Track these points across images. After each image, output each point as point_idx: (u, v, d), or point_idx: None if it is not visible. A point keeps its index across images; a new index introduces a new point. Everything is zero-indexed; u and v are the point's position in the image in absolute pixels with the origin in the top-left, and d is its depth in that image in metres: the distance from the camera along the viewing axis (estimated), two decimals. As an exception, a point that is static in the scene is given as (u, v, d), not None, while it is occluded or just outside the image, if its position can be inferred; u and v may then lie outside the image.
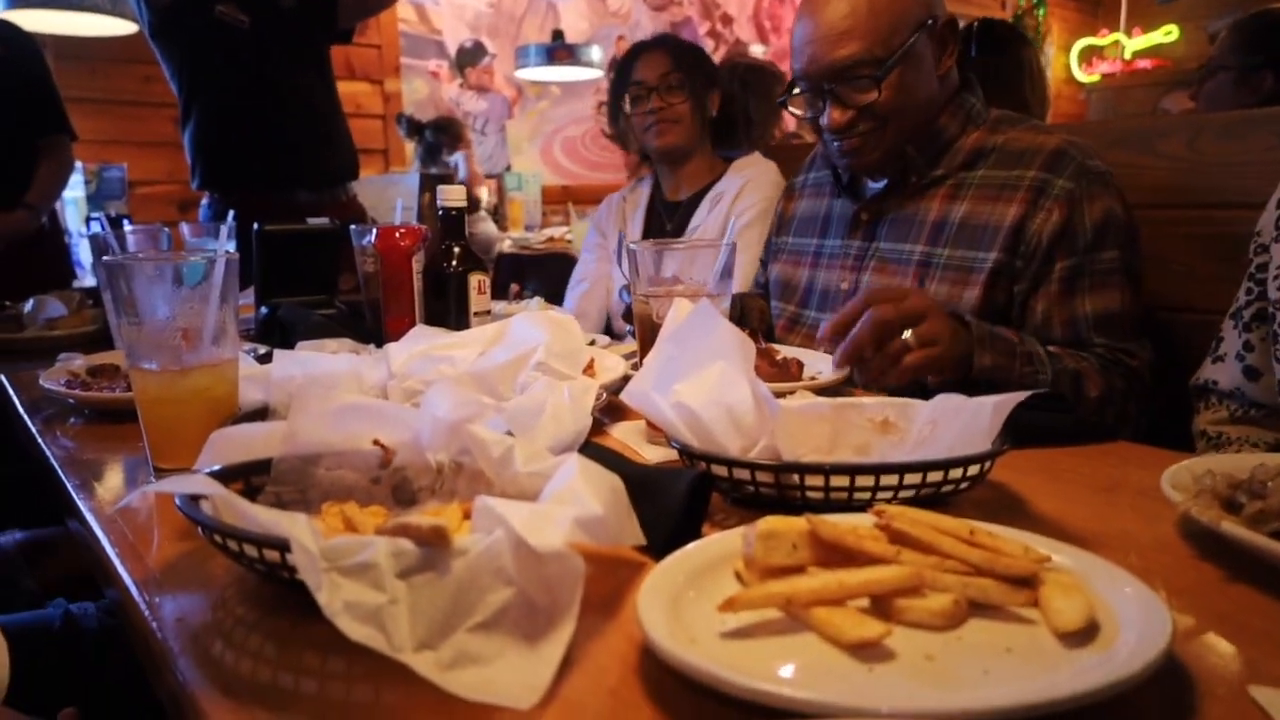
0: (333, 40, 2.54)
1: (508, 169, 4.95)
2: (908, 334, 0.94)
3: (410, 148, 4.32)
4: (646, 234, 1.96)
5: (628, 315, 1.11)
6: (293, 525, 0.49)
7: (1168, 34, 8.27)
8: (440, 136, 4.06)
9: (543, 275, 3.00)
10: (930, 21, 1.19)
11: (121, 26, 2.92)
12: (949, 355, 0.96)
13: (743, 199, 1.84)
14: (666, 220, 1.95)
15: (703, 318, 0.72)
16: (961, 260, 1.17)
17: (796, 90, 1.25)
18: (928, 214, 1.22)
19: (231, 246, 1.48)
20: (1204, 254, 1.30)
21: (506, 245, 3.98)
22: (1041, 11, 4.40)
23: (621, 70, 1.92)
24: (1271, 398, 1.03)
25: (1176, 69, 8.10)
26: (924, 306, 0.97)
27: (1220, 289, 1.29)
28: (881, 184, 1.28)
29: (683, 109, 1.84)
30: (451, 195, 1.10)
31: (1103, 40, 8.61)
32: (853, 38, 1.16)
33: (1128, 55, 8.44)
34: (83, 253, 3.08)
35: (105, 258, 0.78)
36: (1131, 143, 1.34)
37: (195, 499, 0.57)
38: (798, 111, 1.27)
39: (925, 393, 0.94)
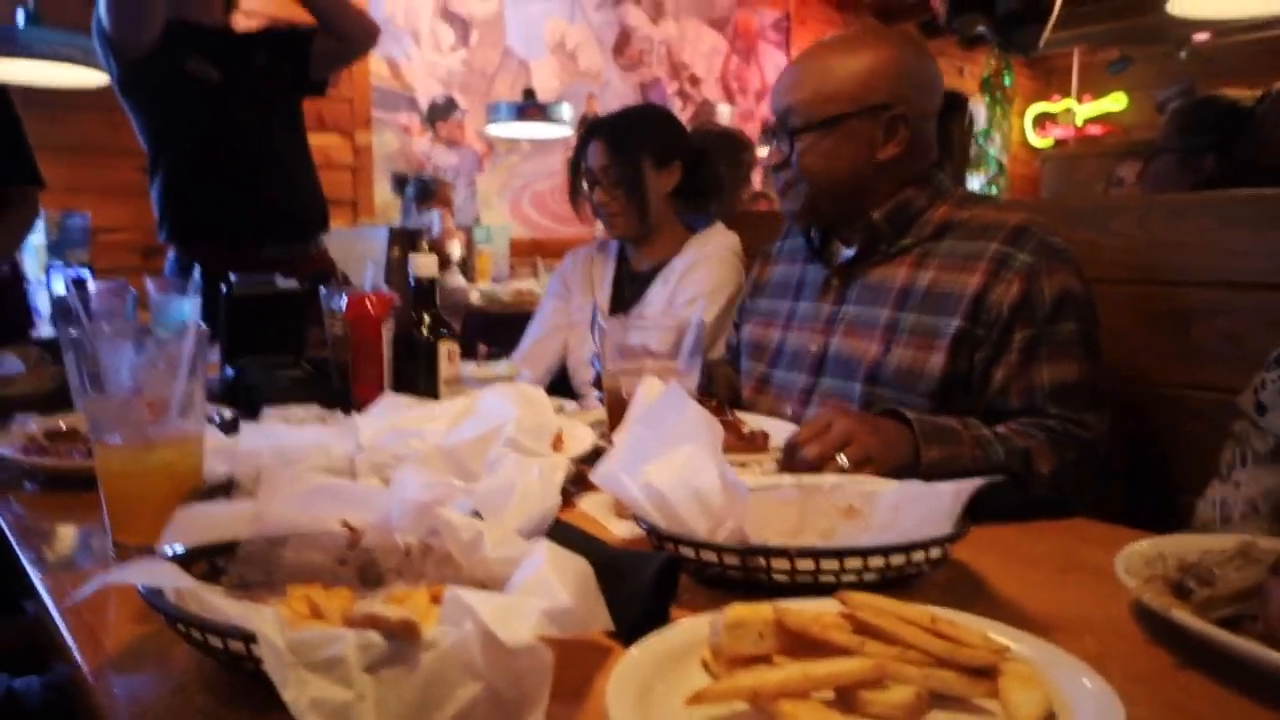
0: (306, 93, 2.56)
1: (477, 221, 4.98)
2: (841, 458, 0.95)
3: (395, 202, 4.40)
4: (613, 302, 1.97)
5: (598, 383, 1.12)
6: (259, 618, 0.49)
7: (1116, 102, 8.62)
8: (420, 191, 4.12)
9: (512, 332, 3.00)
10: (882, 107, 1.23)
11: (92, 78, 2.91)
12: (884, 468, 0.96)
13: (689, 277, 1.84)
14: (627, 290, 1.96)
15: (672, 400, 0.73)
16: (927, 326, 1.20)
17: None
18: (895, 280, 1.26)
19: (198, 303, 1.49)
20: (1154, 328, 1.35)
21: (475, 297, 3.99)
22: (1009, 78, 4.59)
23: (578, 149, 1.93)
24: None
25: (1126, 136, 8.43)
26: (847, 431, 0.98)
27: (1168, 363, 1.34)
28: (852, 251, 1.32)
29: (621, 203, 1.85)
30: (422, 265, 1.11)
31: (1055, 106, 8.95)
32: (796, 92, 1.26)
33: (1079, 121, 8.78)
34: (41, 301, 3.03)
35: (71, 331, 0.77)
36: (1086, 220, 1.39)
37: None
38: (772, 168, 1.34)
39: None
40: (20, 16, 2.84)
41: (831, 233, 1.36)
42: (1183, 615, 0.59)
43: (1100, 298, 1.24)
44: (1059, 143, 8.86)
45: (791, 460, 0.97)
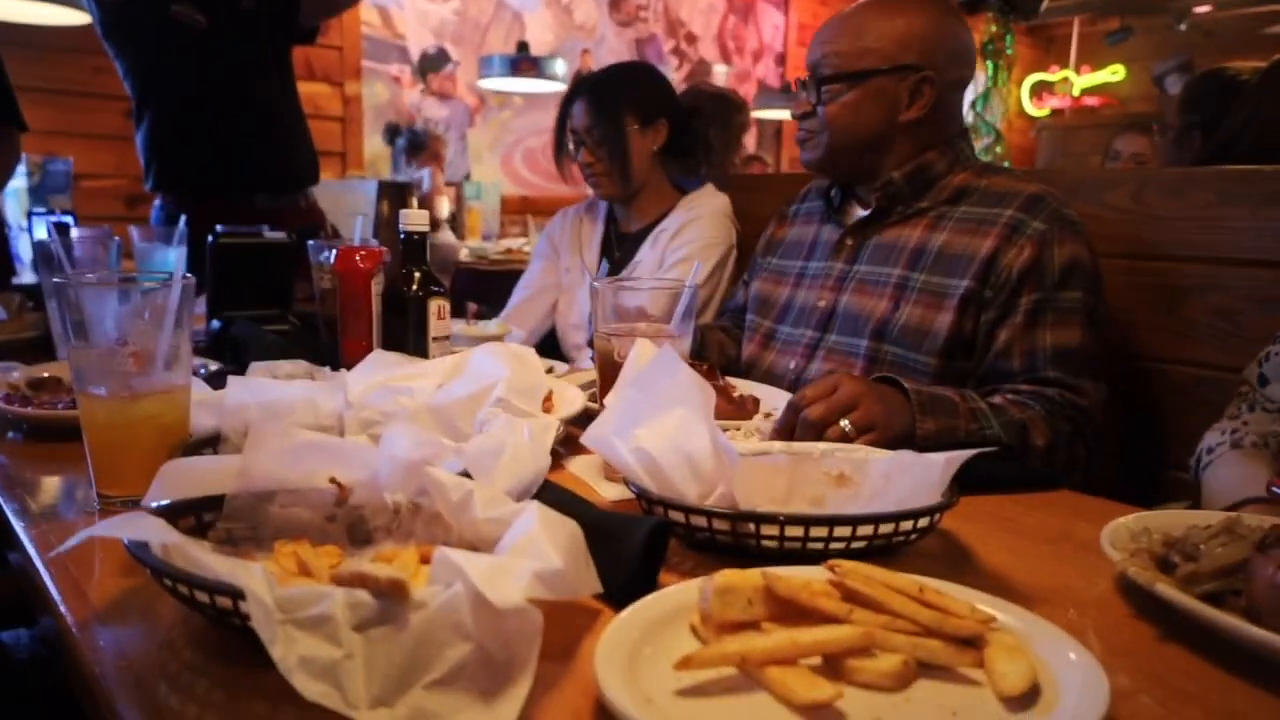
0: (296, 40, 2.50)
1: (467, 177, 4.92)
2: (845, 423, 0.96)
3: (385, 154, 4.34)
4: (601, 263, 1.96)
5: (592, 343, 1.11)
6: (247, 575, 0.48)
7: (1114, 73, 8.57)
8: (411, 144, 4.06)
9: (501, 292, 2.98)
10: (912, 68, 1.26)
11: (74, 16, 2.83)
12: (887, 435, 0.98)
13: (680, 236, 1.84)
14: (617, 251, 1.95)
15: (665, 363, 0.72)
16: (936, 286, 1.23)
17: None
18: (909, 241, 1.28)
19: (183, 253, 1.47)
20: (1146, 302, 1.35)
21: (464, 255, 3.96)
22: (1009, 43, 4.57)
23: (563, 110, 1.90)
24: None
25: (1123, 108, 8.39)
26: (854, 395, 0.98)
27: (1159, 337, 1.34)
28: (868, 211, 1.35)
29: (604, 163, 1.84)
30: (413, 220, 1.10)
31: (1053, 76, 8.89)
32: (831, 44, 1.29)
33: (1076, 92, 8.73)
34: (22, 247, 2.98)
35: (55, 278, 0.76)
36: (1081, 193, 1.39)
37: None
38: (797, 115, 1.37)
39: None
40: (-1, -49, 2.76)
41: (850, 193, 1.40)
42: (1167, 589, 0.60)
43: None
44: (1055, 113, 8.82)
45: (793, 420, 0.97)
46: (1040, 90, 8.93)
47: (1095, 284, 1.20)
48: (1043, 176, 1.32)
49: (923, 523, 0.68)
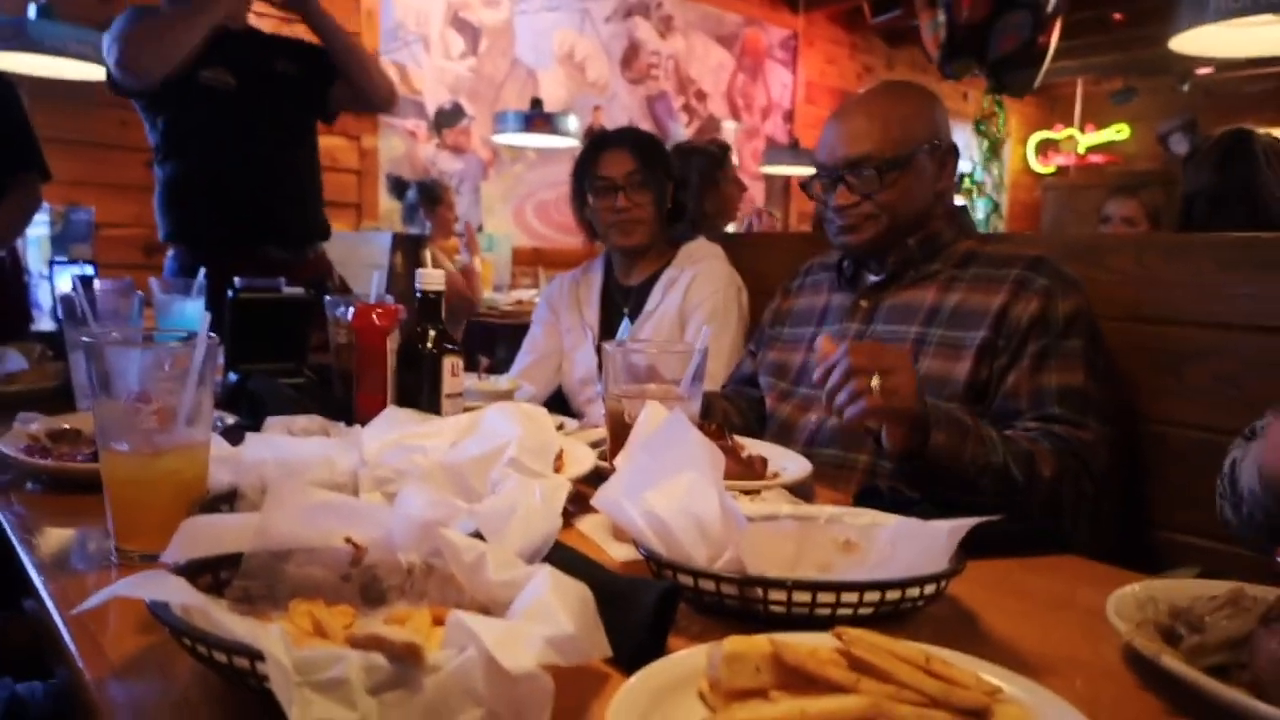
0: (317, 115, 2.58)
1: (480, 229, 4.99)
2: (875, 381, 1.03)
3: (396, 207, 4.40)
4: (604, 317, 2.01)
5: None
6: (266, 637, 0.49)
7: (1119, 132, 8.69)
8: (420, 198, 4.12)
9: (512, 342, 3.02)
10: (935, 143, 1.39)
11: (99, 72, 2.92)
12: (907, 409, 1.05)
13: (696, 290, 1.91)
14: (623, 303, 2.00)
15: (675, 426, 0.74)
16: (954, 339, 1.31)
17: (818, 176, 1.45)
18: (923, 301, 1.38)
19: (202, 304, 1.50)
20: (1148, 365, 1.36)
21: (477, 285, 4.03)
22: (1000, 118, 4.71)
23: (585, 161, 1.97)
24: None
25: (1127, 165, 8.49)
26: (898, 363, 1.06)
27: (1162, 400, 1.35)
28: (881, 276, 1.44)
29: (648, 209, 1.91)
30: (430, 280, 1.12)
31: (1058, 134, 9.02)
32: (867, 140, 1.38)
33: (1081, 150, 8.84)
34: (41, 295, 3.04)
35: (81, 334, 0.78)
36: (1085, 256, 1.41)
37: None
38: (812, 193, 1.47)
39: (880, 500, 0.97)
40: (31, 10, 2.86)
41: (862, 264, 1.48)
42: (1172, 662, 0.60)
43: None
44: (1060, 170, 8.93)
45: (833, 362, 1.05)
46: (1045, 148, 9.05)
47: (1096, 335, 1.28)
48: (1046, 242, 1.35)
49: (929, 589, 0.69)
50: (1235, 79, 7.42)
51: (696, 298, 1.90)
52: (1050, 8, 3.97)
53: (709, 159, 3.17)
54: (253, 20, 2.55)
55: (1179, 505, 1.30)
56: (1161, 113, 8.15)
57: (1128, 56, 7.20)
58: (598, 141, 1.99)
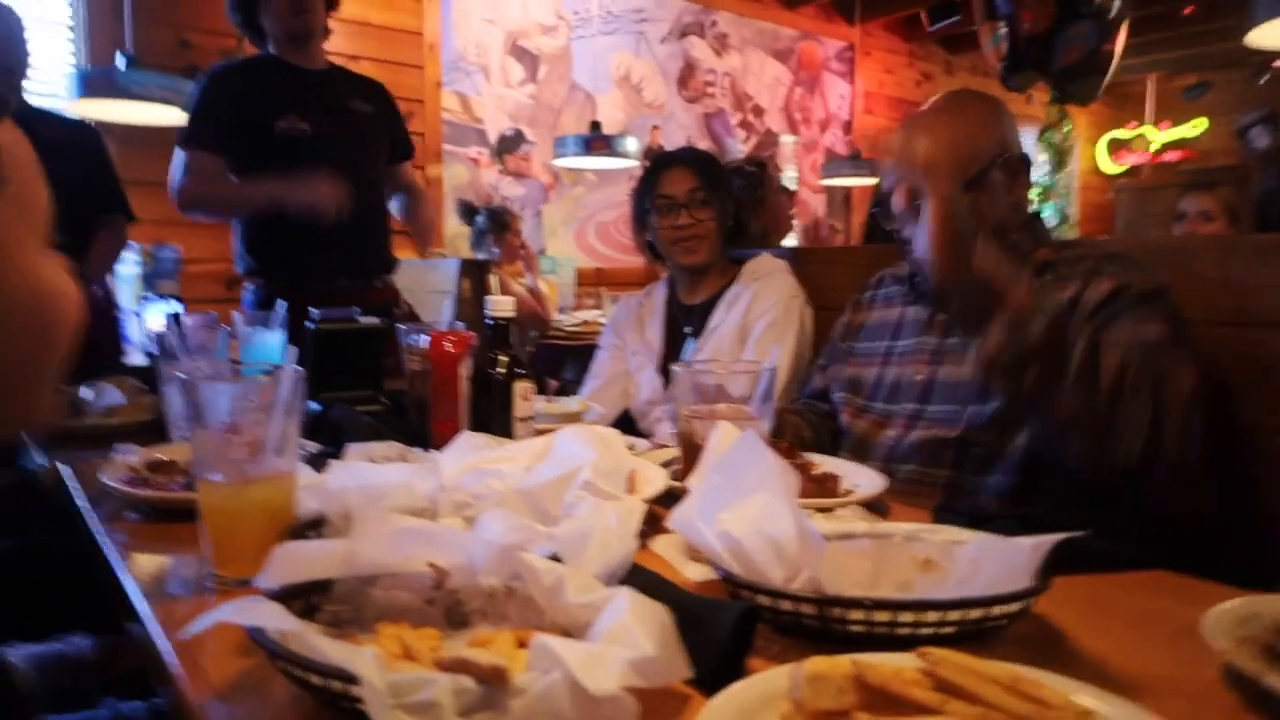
0: (392, 158, 2.70)
1: (542, 252, 5.07)
2: None
3: (465, 233, 4.51)
4: (667, 338, 2.02)
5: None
6: (360, 661, 0.51)
7: (1195, 127, 8.38)
8: (488, 224, 4.21)
9: (579, 365, 3.06)
10: (1006, 155, 1.36)
11: (183, 116, 3.08)
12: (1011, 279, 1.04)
13: (758, 303, 1.90)
14: (684, 323, 2.01)
15: (747, 446, 0.74)
16: None
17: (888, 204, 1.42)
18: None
19: (281, 335, 1.56)
20: (1239, 370, 1.31)
21: (547, 304, 4.13)
22: (1067, 126, 4.61)
23: (646, 182, 1.99)
24: None
25: (1203, 162, 8.18)
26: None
27: (1255, 406, 1.30)
28: None
29: (710, 225, 1.92)
30: (499, 306, 1.15)
31: (1129, 133, 8.74)
32: (942, 160, 1.34)
33: (1154, 148, 8.56)
34: (133, 330, 3.19)
35: (176, 370, 0.82)
36: (1166, 261, 1.36)
37: (261, 621, 0.59)
38: (886, 222, 1.44)
39: (958, 517, 0.95)
40: (120, 60, 3.02)
41: None
42: (1277, 682, 0.58)
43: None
44: (1133, 170, 8.65)
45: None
46: (1116, 147, 8.78)
47: (1177, 312, 1.21)
48: (1122, 246, 1.32)
49: (1014, 608, 0.67)
50: (1316, 68, 7.11)
51: (757, 311, 1.90)
52: (1114, 14, 3.87)
53: (747, 179, 3.18)
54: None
55: (1271, 517, 1.24)
56: (1237, 107, 7.85)
57: (1199, 51, 6.96)
58: (659, 162, 2.02)
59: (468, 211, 4.37)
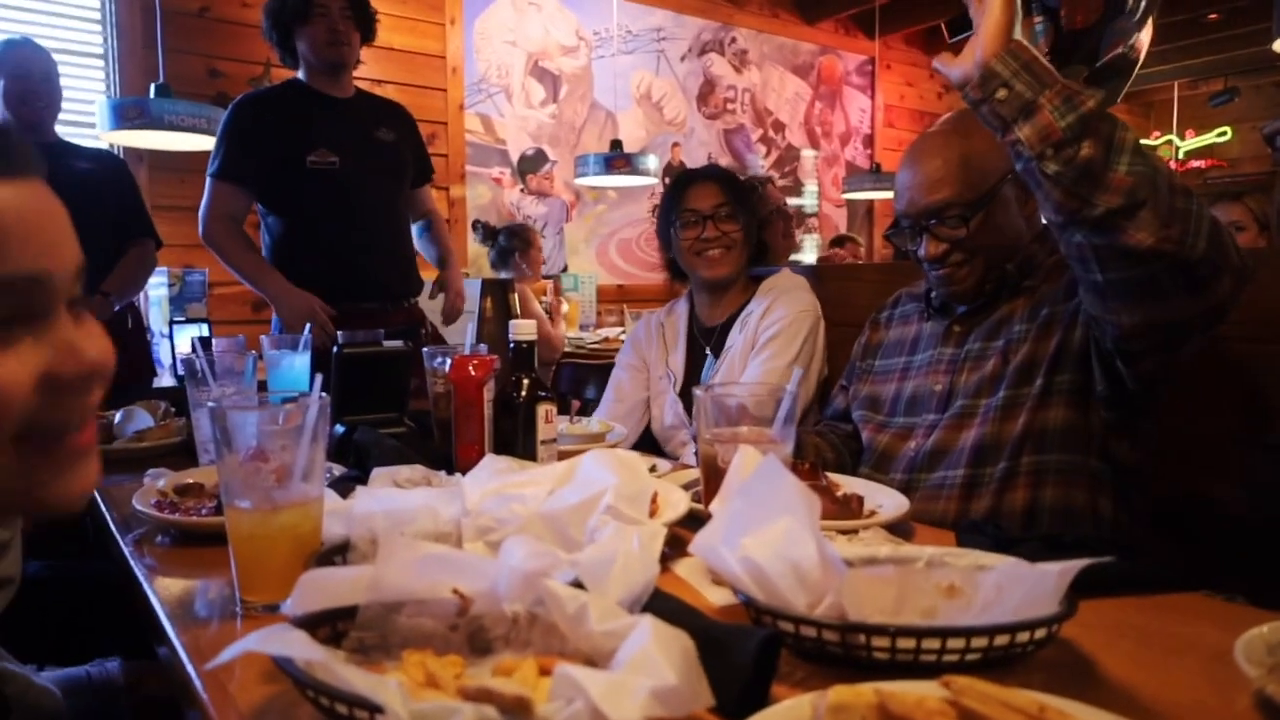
0: (416, 182, 2.73)
1: (564, 270, 5.10)
2: None
3: (485, 252, 4.54)
4: (689, 361, 2.01)
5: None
6: (385, 691, 0.52)
7: (1221, 135, 8.30)
8: (512, 241, 4.24)
9: (601, 383, 3.07)
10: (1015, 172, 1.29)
11: (212, 143, 3.14)
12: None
13: (769, 315, 1.89)
14: (705, 344, 2.00)
15: (769, 471, 0.74)
16: (1044, 318, 1.30)
17: (900, 226, 1.43)
18: (1015, 313, 1.36)
19: (308, 358, 1.58)
20: (1264, 386, 1.29)
21: (563, 335, 4.13)
22: None
23: (671, 197, 1.99)
24: None
25: (1231, 169, 8.08)
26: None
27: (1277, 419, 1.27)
28: (974, 305, 1.42)
29: (738, 237, 1.93)
30: (522, 330, 1.16)
31: (1155, 141, 8.66)
32: (946, 185, 1.34)
33: (1181, 155, 8.47)
34: (163, 352, 3.24)
35: (210, 404, 0.84)
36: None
37: (288, 649, 0.60)
38: (900, 244, 1.44)
39: (983, 538, 0.94)
40: (151, 90, 3.09)
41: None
42: (1311, 711, 0.57)
43: (1223, 350, 1.21)
44: (1160, 178, 8.54)
45: None
46: (1142, 156, 8.68)
47: None
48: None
49: (1040, 634, 0.67)
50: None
51: (766, 323, 1.89)
52: (1141, 13, 3.84)
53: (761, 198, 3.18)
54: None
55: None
56: (1266, 112, 7.75)
57: (1226, 57, 6.89)
58: (683, 178, 2.01)
59: (488, 233, 4.40)
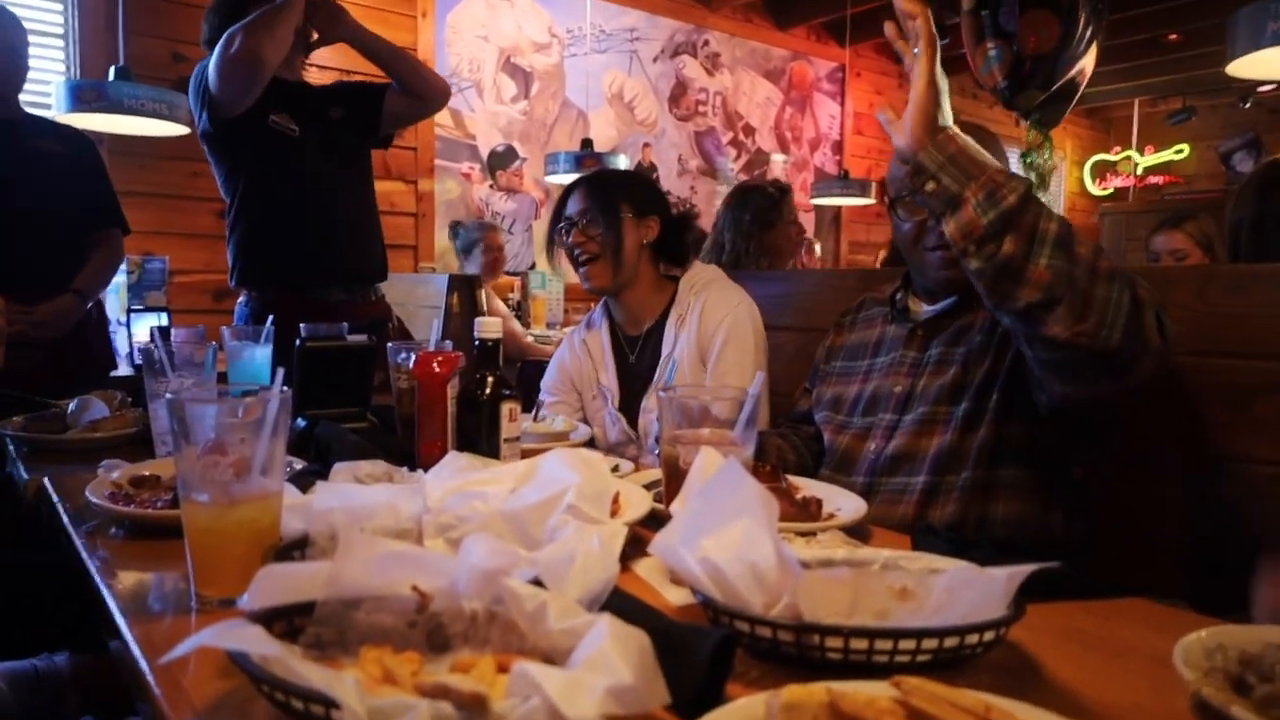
0: (375, 145, 2.68)
1: (532, 267, 5.08)
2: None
3: (450, 248, 4.53)
4: (620, 377, 1.96)
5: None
6: (340, 687, 0.52)
7: (1179, 152, 8.51)
8: (477, 231, 4.23)
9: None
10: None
11: (173, 129, 3.09)
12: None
13: (708, 317, 1.84)
14: (630, 353, 1.96)
15: (730, 474, 0.75)
16: (1002, 331, 1.30)
17: (902, 200, 1.39)
18: (974, 322, 1.37)
19: (270, 351, 1.56)
20: (1216, 400, 1.33)
21: (529, 341, 4.08)
22: (1048, 149, 4.72)
23: (558, 207, 1.97)
24: None
25: (1188, 186, 8.29)
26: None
27: (1231, 435, 1.32)
28: (939, 305, 1.43)
29: (596, 245, 1.87)
30: (487, 328, 1.16)
31: (1115, 156, 8.85)
32: None
33: (1139, 171, 8.67)
34: (120, 341, 3.18)
35: (168, 396, 0.83)
36: (1141, 290, 1.39)
37: (244, 644, 0.60)
38: (902, 218, 1.40)
39: (937, 541, 0.96)
40: (111, 72, 3.03)
41: (919, 295, 1.48)
42: (1242, 713, 0.59)
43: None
44: (1118, 192, 8.76)
45: None
46: (1102, 170, 8.89)
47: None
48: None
49: (989, 636, 0.68)
50: (1300, 95, 7.23)
51: (710, 325, 1.84)
52: (1086, 41, 3.94)
53: (765, 200, 3.17)
54: (309, 76, 2.66)
55: (1252, 542, 1.26)
56: (1222, 131, 7.96)
57: (1185, 76, 7.07)
58: (568, 188, 1.98)
59: (454, 229, 4.40)
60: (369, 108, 2.58)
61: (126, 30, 3.48)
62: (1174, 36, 6.31)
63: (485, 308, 3.15)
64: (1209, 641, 0.70)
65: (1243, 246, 2.10)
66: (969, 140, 1.11)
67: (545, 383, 2.08)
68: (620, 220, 1.88)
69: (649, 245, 1.92)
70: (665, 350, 1.88)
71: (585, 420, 1.96)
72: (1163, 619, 0.86)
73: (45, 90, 3.53)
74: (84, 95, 2.94)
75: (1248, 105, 7.51)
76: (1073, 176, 8.74)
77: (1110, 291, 1.05)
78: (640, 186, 2.00)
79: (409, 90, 2.56)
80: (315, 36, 2.49)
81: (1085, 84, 4.04)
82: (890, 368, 1.45)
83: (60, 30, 3.69)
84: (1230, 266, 1.91)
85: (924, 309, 1.46)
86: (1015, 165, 7.26)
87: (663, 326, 1.91)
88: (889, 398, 1.42)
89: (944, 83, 1.10)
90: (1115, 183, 8.78)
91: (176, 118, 3.01)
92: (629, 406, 1.90)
